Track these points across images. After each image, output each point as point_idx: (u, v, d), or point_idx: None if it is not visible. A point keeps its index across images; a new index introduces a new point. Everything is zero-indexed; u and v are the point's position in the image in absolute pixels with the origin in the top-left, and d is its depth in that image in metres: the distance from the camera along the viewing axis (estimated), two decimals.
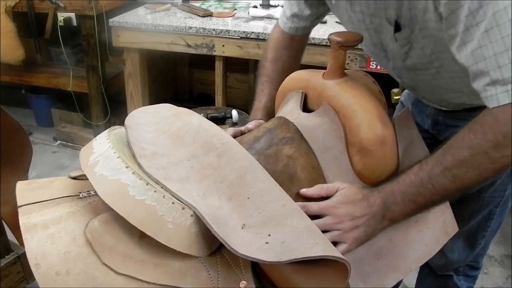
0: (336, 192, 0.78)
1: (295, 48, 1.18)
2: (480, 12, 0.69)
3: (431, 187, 0.75)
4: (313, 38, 2.16)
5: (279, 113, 0.92)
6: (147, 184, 0.64)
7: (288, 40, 1.17)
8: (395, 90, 2.06)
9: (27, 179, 1.34)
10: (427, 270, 1.35)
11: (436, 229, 0.88)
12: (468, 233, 1.17)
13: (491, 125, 0.71)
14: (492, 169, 0.73)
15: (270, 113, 1.06)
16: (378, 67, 2.10)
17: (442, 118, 1.10)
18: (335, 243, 0.75)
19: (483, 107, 0.78)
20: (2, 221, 1.36)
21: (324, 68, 0.90)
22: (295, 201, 0.71)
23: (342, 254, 0.71)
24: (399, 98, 1.32)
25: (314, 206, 0.76)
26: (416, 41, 0.87)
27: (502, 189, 1.10)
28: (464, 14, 0.71)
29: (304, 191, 0.78)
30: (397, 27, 0.86)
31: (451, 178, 0.74)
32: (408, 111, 0.90)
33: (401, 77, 1.05)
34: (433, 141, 1.09)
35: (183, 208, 0.63)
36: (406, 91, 1.24)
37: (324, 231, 0.73)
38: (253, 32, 2.25)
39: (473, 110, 1.01)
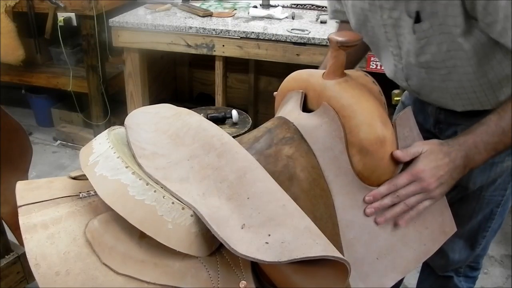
0: (420, 155, 0.84)
1: None
2: None
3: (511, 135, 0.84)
4: (313, 38, 2.16)
5: (279, 113, 0.92)
6: (147, 184, 0.64)
7: None
8: (396, 91, 2.06)
9: (27, 179, 1.34)
10: (428, 270, 1.36)
11: (434, 229, 0.88)
12: (469, 233, 1.17)
13: None
14: None
15: None
16: (378, 67, 2.10)
17: (444, 117, 1.11)
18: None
19: (486, 111, 0.87)
20: (2, 221, 1.36)
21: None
22: (295, 199, 0.71)
23: (424, 208, 0.84)
24: (399, 99, 1.32)
25: (403, 179, 0.82)
26: (433, 36, 0.88)
27: (503, 188, 1.10)
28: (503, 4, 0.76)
29: (398, 155, 0.82)
30: (418, 18, 0.87)
31: None
32: (410, 110, 0.90)
33: (409, 79, 1.05)
34: None
35: (183, 208, 0.63)
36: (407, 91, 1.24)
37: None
38: (253, 32, 2.25)
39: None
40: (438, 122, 1.13)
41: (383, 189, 0.81)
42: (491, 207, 1.13)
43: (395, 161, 0.83)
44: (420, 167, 0.82)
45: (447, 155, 0.83)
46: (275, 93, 1.01)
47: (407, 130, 0.88)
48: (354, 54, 1.15)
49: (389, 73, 1.10)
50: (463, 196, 0.97)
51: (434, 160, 0.83)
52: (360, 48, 1.16)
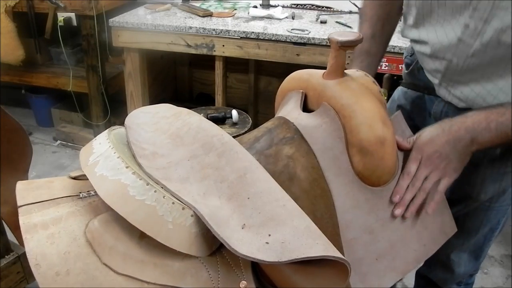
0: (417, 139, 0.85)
1: None
2: None
3: None
4: (313, 38, 2.16)
5: (279, 113, 0.92)
6: (147, 184, 0.64)
7: None
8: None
9: (27, 179, 1.34)
10: (423, 282, 1.33)
11: (434, 229, 0.88)
12: (475, 245, 1.14)
13: None
14: None
15: (366, 53, 1.13)
16: (378, 67, 2.09)
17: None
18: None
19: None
20: (2, 221, 1.36)
21: (325, 68, 0.90)
22: (295, 199, 0.71)
23: (444, 188, 0.85)
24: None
25: (412, 165, 0.84)
26: None
27: (511, 197, 1.07)
28: None
29: (401, 144, 0.86)
30: None
31: None
32: (400, 114, 0.90)
33: (474, 56, 0.90)
34: None
35: (183, 208, 0.63)
36: (401, 89, 1.19)
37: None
38: (253, 32, 2.25)
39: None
40: None
41: (402, 183, 0.83)
42: (498, 217, 1.10)
43: (395, 161, 0.83)
44: (419, 145, 0.84)
45: (445, 129, 0.84)
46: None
47: (399, 132, 0.89)
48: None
49: (436, 44, 0.96)
50: (470, 210, 0.93)
51: (431, 136, 0.84)
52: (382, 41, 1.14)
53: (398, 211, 0.83)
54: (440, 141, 0.83)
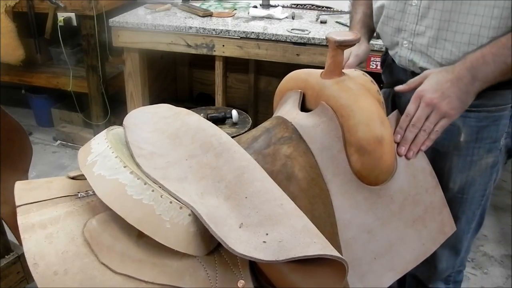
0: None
1: None
2: None
3: None
4: (313, 38, 2.16)
5: (278, 113, 0.92)
6: (145, 183, 0.64)
7: None
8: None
9: (27, 179, 1.34)
10: (415, 282, 1.33)
11: (433, 229, 0.88)
12: (454, 240, 1.12)
13: None
14: None
15: (365, 26, 1.17)
16: (378, 67, 2.10)
17: None
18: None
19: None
20: (2, 221, 1.36)
21: (324, 68, 0.90)
22: (293, 198, 0.71)
23: (443, 128, 0.87)
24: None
25: (412, 105, 0.87)
26: None
27: (483, 188, 1.08)
28: None
29: (400, 87, 0.93)
30: None
31: None
32: (398, 112, 0.90)
33: (424, 18, 0.96)
34: None
35: (180, 208, 0.63)
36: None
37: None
38: (253, 32, 2.25)
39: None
40: None
41: (402, 124, 0.87)
42: (472, 209, 1.10)
43: (393, 160, 0.83)
44: (421, 87, 0.87)
45: (449, 71, 0.87)
46: None
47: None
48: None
49: (383, 22, 1.06)
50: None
51: (435, 78, 0.87)
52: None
53: (402, 149, 0.86)
54: (443, 80, 0.86)
